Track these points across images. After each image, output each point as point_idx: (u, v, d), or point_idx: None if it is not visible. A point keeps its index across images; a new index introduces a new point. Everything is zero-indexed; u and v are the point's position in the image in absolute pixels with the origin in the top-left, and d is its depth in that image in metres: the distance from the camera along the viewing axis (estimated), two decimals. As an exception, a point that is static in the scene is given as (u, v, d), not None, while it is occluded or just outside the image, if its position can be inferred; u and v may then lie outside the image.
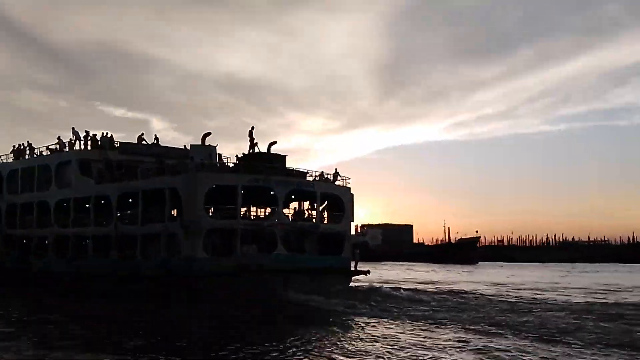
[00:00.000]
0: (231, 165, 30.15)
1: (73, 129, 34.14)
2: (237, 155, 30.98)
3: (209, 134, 30.85)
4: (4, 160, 38.87)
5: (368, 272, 32.03)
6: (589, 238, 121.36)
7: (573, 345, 16.08)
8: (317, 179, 31.02)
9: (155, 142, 34.96)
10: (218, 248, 27.44)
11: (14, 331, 18.82)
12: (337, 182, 31.77)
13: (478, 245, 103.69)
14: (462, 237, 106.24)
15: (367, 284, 33.08)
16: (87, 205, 32.21)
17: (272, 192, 28.76)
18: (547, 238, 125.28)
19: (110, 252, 30.33)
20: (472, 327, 19.06)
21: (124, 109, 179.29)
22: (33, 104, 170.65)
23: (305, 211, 32.19)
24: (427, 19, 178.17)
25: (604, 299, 30.48)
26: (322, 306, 24.14)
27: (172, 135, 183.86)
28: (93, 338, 17.96)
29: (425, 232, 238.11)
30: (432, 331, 18.36)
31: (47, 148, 35.90)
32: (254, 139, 30.61)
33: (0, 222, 37.69)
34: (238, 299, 24.25)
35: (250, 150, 30.51)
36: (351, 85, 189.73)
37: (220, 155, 31.79)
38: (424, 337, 17.20)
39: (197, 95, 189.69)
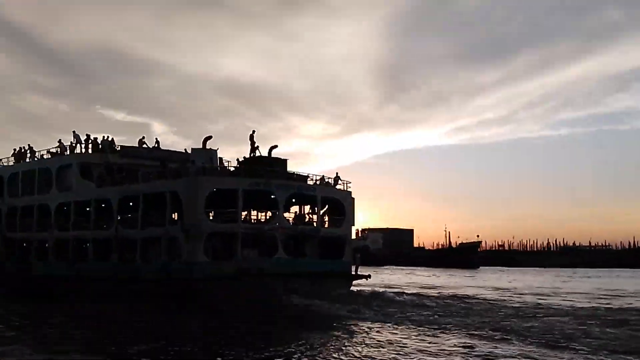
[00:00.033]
0: (232, 169, 30.05)
1: (74, 132, 34.10)
2: (237, 159, 31.06)
3: (209, 137, 30.70)
4: (5, 163, 38.78)
5: (369, 276, 31.85)
6: (590, 243, 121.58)
7: (580, 351, 15.92)
8: (318, 183, 30.91)
9: (156, 145, 34.86)
10: (219, 252, 27.28)
11: (14, 335, 18.72)
12: (337, 186, 31.65)
13: (479, 249, 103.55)
14: (463, 242, 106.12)
15: (370, 288, 32.89)
16: (88, 209, 32.07)
17: (272, 196, 28.61)
18: (548, 243, 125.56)
19: (110, 256, 30.19)
20: (477, 332, 18.89)
21: (125, 113, 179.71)
22: (34, 107, 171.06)
23: (306, 215, 32.04)
24: (427, 24, 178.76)
25: (608, 304, 30.30)
26: (325, 310, 23.96)
27: (173, 139, 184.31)
28: (93, 339, 17.83)
29: (425, 237, 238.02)
30: (437, 336, 18.18)
31: (48, 151, 35.78)
32: (254, 142, 30.50)
33: (0, 225, 37.54)
34: (239, 302, 24.09)
35: (252, 154, 30.39)
36: (352, 90, 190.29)
37: (221, 159, 31.78)
38: (430, 343, 17.03)
39: (198, 99, 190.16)
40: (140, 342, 17.41)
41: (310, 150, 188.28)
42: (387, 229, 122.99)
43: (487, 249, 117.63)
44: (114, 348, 16.41)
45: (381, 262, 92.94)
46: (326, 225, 30.98)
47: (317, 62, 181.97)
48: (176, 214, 28.74)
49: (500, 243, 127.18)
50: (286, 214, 30.23)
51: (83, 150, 33.62)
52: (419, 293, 33.73)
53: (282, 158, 30.60)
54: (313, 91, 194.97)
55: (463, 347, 16.32)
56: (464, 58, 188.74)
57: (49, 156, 35.52)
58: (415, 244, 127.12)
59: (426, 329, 19.64)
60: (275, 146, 30.70)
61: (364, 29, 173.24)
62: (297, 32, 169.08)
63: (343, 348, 16.33)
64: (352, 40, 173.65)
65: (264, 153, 30.41)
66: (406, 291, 34.46)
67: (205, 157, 29.45)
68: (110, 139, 33.76)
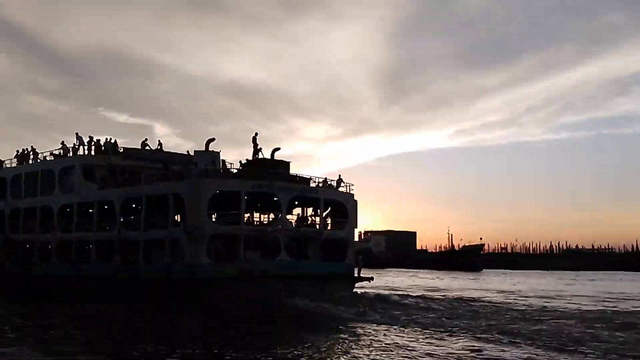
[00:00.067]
0: (235, 171, 30.00)
1: (77, 134, 34.08)
2: (240, 161, 30.95)
3: (212, 139, 30.64)
4: (8, 165, 38.70)
5: (372, 278, 31.69)
6: (592, 246, 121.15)
7: (589, 355, 15.74)
8: (321, 185, 30.79)
9: (159, 147, 34.77)
10: (221, 254, 27.18)
11: (14, 335, 18.60)
12: (340, 189, 31.52)
13: (482, 252, 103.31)
14: (466, 245, 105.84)
15: (374, 290, 32.70)
16: (91, 211, 32.02)
17: (275, 198, 28.53)
18: (551, 246, 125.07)
19: (113, 258, 30.07)
20: (484, 335, 18.68)
21: (127, 115, 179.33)
22: (36, 108, 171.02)
23: (309, 217, 31.94)
24: (430, 27, 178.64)
25: (614, 307, 30.06)
26: (329, 312, 23.81)
27: (176, 141, 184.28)
28: (93, 339, 17.72)
29: (428, 239, 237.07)
30: (445, 339, 18.00)
31: (51, 153, 35.73)
32: (257, 145, 30.42)
33: (3, 226, 37.45)
34: (241, 304, 23.99)
35: (254, 157, 30.31)
36: (354, 92, 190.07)
37: (223, 161, 31.67)
38: (437, 346, 16.87)
39: (201, 101, 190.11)
40: (140, 342, 17.34)
41: (313, 152, 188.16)
42: (390, 231, 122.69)
43: (490, 251, 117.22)
44: (114, 348, 16.27)
45: (384, 264, 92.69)
46: (329, 228, 30.88)
47: (319, 64, 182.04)
48: (179, 216, 28.67)
49: (503, 246, 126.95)
50: (289, 216, 30.20)
51: (86, 152, 33.58)
52: (423, 295, 33.50)
53: (285, 160, 30.54)
54: (316, 94, 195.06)
55: (470, 350, 16.15)
56: (466, 61, 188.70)
57: (52, 158, 35.48)
58: (418, 247, 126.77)
59: (433, 331, 19.45)
60: (278, 148, 30.63)
61: (366, 32, 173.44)
62: (300, 34, 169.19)
63: (350, 351, 16.17)
64: (355, 43, 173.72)
65: (267, 155, 30.32)
66: (410, 294, 34.24)
67: (208, 159, 29.39)
68: (113, 140, 33.72)
